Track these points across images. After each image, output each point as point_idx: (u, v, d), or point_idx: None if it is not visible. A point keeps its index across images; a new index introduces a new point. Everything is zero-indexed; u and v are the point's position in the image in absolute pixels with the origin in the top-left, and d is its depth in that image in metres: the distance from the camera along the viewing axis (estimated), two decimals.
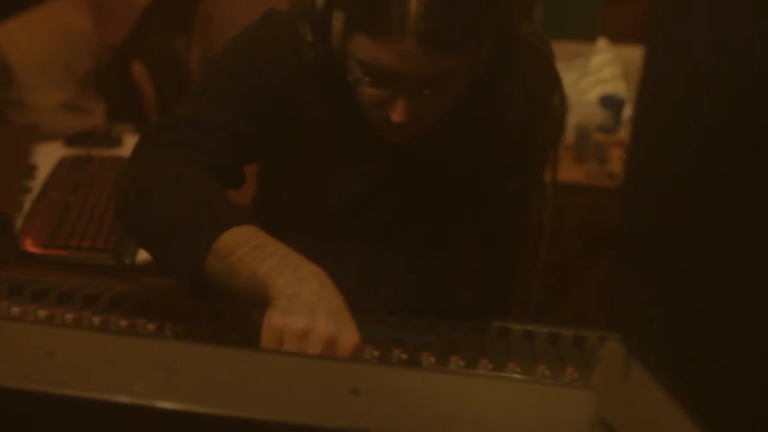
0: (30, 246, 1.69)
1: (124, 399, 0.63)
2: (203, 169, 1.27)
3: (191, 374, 0.67)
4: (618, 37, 4.54)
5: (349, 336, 1.04)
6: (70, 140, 2.25)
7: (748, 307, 0.54)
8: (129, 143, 2.24)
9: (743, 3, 0.54)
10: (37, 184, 1.96)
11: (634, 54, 4.53)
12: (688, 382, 0.58)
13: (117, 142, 2.28)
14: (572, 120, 3.11)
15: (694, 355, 0.58)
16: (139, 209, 1.23)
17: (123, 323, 1.26)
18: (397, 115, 1.24)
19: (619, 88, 3.79)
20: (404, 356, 1.24)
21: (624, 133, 3.32)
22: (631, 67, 4.21)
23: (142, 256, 1.71)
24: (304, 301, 1.04)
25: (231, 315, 1.31)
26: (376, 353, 1.24)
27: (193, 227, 1.15)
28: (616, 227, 0.62)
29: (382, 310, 1.37)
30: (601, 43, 4.20)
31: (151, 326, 1.25)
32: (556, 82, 1.46)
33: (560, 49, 3.22)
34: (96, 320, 1.26)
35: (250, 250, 1.10)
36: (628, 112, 3.42)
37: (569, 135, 3.09)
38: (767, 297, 0.52)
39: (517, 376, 1.23)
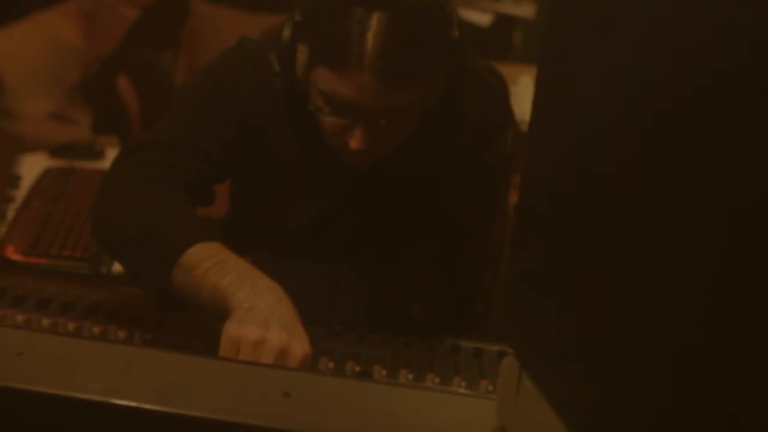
0: (11, 253, 1.78)
1: (83, 396, 0.72)
2: (174, 188, 1.36)
3: (143, 375, 0.76)
4: None
5: (299, 346, 1.13)
6: (54, 152, 2.34)
7: (627, 332, 0.62)
8: (111, 156, 2.31)
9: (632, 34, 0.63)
10: (20, 193, 2.05)
11: None
12: (569, 396, 0.67)
13: (99, 155, 2.37)
14: None
15: (576, 370, 0.66)
16: (113, 224, 1.32)
17: (96, 329, 1.34)
18: (355, 142, 1.34)
19: None
20: (357, 368, 1.32)
21: None
22: None
23: (118, 266, 1.79)
24: (259, 313, 1.14)
25: (196, 325, 1.40)
26: (331, 365, 1.33)
27: (162, 242, 1.25)
28: (509, 252, 0.71)
29: (340, 325, 1.46)
30: None
31: (121, 333, 1.34)
32: (506, 113, 1.57)
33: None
34: (71, 326, 1.34)
35: (212, 265, 1.20)
36: None
37: None
38: (643, 328, 0.61)
39: (462, 390, 1.31)
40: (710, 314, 0.52)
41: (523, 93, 2.92)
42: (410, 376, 1.32)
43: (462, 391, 1.23)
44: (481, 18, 3.43)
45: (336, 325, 1.45)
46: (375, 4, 1.26)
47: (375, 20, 1.26)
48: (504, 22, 3.50)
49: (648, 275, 0.59)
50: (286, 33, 1.36)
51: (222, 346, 1.14)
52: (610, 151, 0.63)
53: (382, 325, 1.49)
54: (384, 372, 1.32)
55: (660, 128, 0.57)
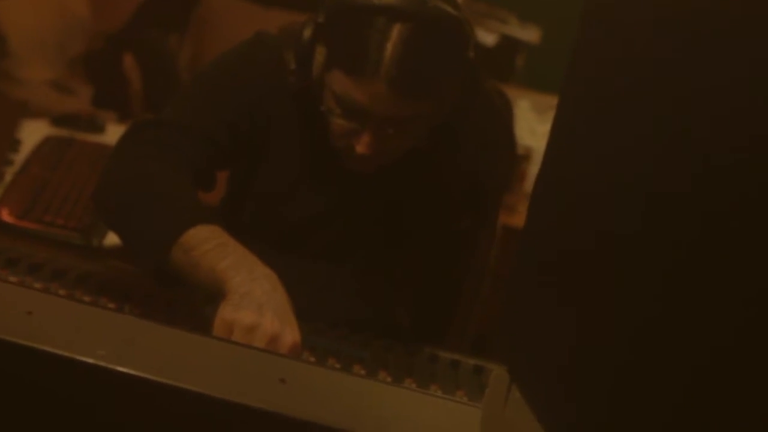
0: (5, 215, 1.79)
1: (89, 359, 0.75)
2: (178, 170, 1.39)
3: (148, 347, 0.79)
4: None
5: (290, 335, 1.17)
6: (57, 121, 2.35)
7: (623, 356, 0.65)
8: (112, 131, 2.34)
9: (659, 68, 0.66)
10: (19, 157, 2.07)
11: None
12: (558, 413, 0.70)
13: (100, 128, 2.39)
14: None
15: (567, 389, 0.70)
16: (117, 196, 1.36)
17: (86, 299, 1.36)
18: (361, 147, 1.37)
19: None
20: (337, 366, 1.35)
21: None
22: None
23: (110, 239, 1.82)
24: (255, 298, 1.17)
25: (182, 306, 1.43)
26: (312, 359, 1.36)
27: (163, 220, 1.28)
28: (510, 269, 0.74)
29: (324, 322, 1.49)
30: None
31: (111, 305, 1.36)
32: (509, 135, 1.61)
33: (538, 100, 3.36)
34: (62, 292, 1.37)
35: (212, 248, 1.23)
36: None
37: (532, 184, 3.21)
38: (638, 355, 0.64)
39: (440, 394, 1.34)
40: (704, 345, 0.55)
41: (520, 116, 2.96)
42: (388, 379, 1.35)
43: (440, 394, 1.25)
44: (486, 38, 3.46)
45: (319, 323, 1.48)
46: (397, 16, 1.29)
47: (396, 31, 1.30)
48: (509, 44, 3.53)
49: (642, 306, 0.62)
50: (307, 33, 1.39)
51: (215, 327, 1.17)
52: (612, 199, 0.66)
53: (365, 326, 1.52)
54: (363, 372, 1.35)
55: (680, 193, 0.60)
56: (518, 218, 2.49)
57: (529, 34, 3.57)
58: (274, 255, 1.44)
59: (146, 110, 3.05)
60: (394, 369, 1.40)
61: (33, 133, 2.21)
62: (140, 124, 1.47)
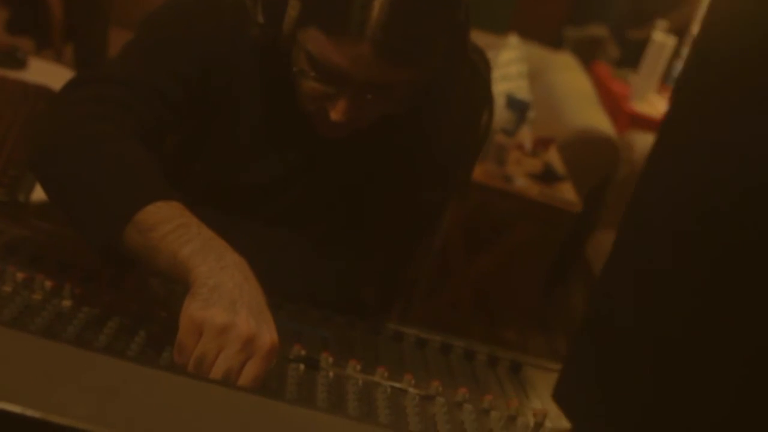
0: None
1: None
2: (128, 131, 1.23)
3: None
4: (528, 34, 4.61)
5: (267, 336, 1.03)
6: None
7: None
8: (35, 68, 2.14)
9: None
10: None
11: (541, 54, 4.61)
12: None
13: (21, 63, 2.18)
14: None
15: None
16: (57, 165, 1.18)
17: (20, 276, 1.21)
18: (336, 113, 1.23)
19: (522, 87, 3.85)
20: (303, 353, 1.24)
21: (523, 135, 3.37)
22: (535, 67, 4.28)
23: (39, 195, 1.65)
24: (226, 293, 1.03)
25: (130, 281, 1.28)
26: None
27: (115, 194, 1.12)
28: (583, 328, 0.64)
29: (280, 295, 1.36)
30: (513, 38, 4.24)
31: (48, 283, 1.21)
32: (487, 95, 1.48)
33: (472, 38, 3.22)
34: None
35: (173, 229, 1.08)
36: (531, 114, 3.48)
37: None
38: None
39: (411, 390, 1.24)
40: None
41: None
42: (358, 367, 1.24)
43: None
44: None
45: (275, 296, 1.36)
46: None
47: None
48: None
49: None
50: None
51: (182, 328, 1.03)
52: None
53: (325, 301, 1.40)
54: (331, 359, 1.24)
55: None
56: None
57: None
58: (225, 220, 1.29)
59: (67, 39, 2.83)
60: (363, 354, 1.30)
61: None
62: (80, 78, 1.29)
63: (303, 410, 0.96)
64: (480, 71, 1.42)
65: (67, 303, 1.17)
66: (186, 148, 1.47)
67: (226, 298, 1.02)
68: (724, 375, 0.55)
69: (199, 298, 1.02)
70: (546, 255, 3.78)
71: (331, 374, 1.21)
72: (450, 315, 3.26)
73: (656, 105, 4.64)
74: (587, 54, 5.47)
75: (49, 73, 2.36)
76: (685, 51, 4.99)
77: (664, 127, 0.66)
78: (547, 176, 3.10)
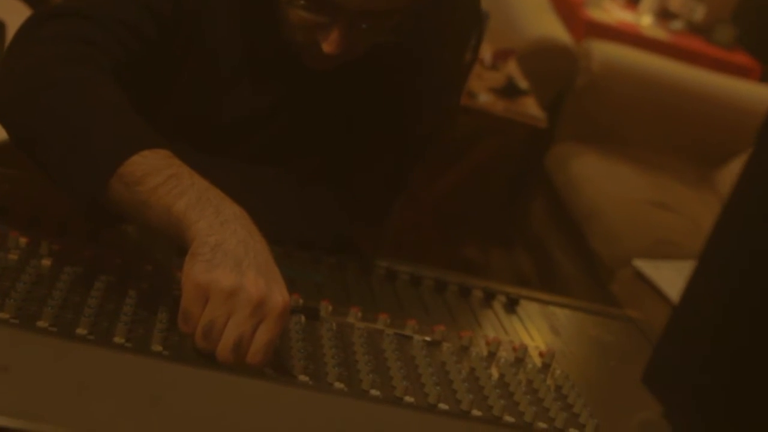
0: None
1: None
2: (102, 71, 1.12)
3: None
4: None
5: (279, 296, 0.95)
6: None
7: None
8: None
9: None
10: None
11: None
12: None
13: None
14: None
15: None
16: (27, 114, 1.07)
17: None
18: (329, 45, 1.14)
19: None
20: (301, 302, 1.17)
21: (483, 48, 3.27)
22: None
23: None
24: (230, 251, 0.94)
25: (108, 234, 1.19)
26: None
27: (96, 144, 1.01)
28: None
29: (268, 236, 1.28)
30: None
31: (23, 240, 1.11)
32: (475, 13, 1.39)
33: None
34: None
35: (163, 181, 0.98)
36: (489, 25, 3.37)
37: None
38: None
39: (416, 336, 1.18)
40: None
41: None
42: (359, 314, 1.18)
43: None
44: None
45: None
46: None
47: None
48: None
49: None
50: None
51: (186, 293, 0.94)
52: None
53: (313, 240, 1.33)
54: (330, 308, 1.18)
55: None
56: None
57: None
58: (204, 158, 1.20)
59: None
60: (359, 296, 1.25)
61: None
62: (42, 14, 1.17)
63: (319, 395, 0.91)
64: None
65: (46, 262, 1.08)
66: (157, 84, 1.36)
67: (230, 257, 0.94)
68: None
69: (201, 259, 0.94)
70: (506, 170, 3.74)
71: (334, 325, 1.14)
72: (412, 236, 3.20)
73: (611, 12, 4.56)
74: None
75: None
76: None
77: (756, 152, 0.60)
78: (511, 90, 3.02)
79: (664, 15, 4.72)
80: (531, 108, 3.03)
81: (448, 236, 3.61)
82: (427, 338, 1.19)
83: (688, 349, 0.61)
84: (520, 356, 1.21)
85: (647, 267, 2.86)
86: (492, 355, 1.20)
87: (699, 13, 4.66)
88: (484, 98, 2.95)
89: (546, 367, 1.21)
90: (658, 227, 3.14)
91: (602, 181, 3.40)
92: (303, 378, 1.00)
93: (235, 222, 0.98)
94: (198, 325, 0.94)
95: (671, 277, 2.84)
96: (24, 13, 2.24)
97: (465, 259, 3.57)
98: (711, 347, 0.60)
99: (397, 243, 2.98)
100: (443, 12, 1.30)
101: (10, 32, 1.80)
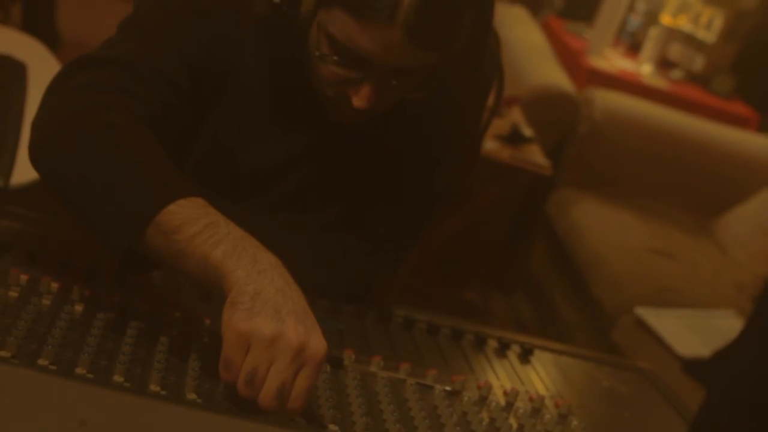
0: None
1: None
2: (138, 120, 1.14)
3: None
4: None
5: (318, 342, 0.98)
6: None
7: None
8: None
9: None
10: None
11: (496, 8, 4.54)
12: None
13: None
14: None
15: None
16: (64, 162, 1.09)
17: (23, 278, 1.13)
18: (360, 100, 1.17)
19: None
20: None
21: None
22: None
23: (19, 178, 1.56)
24: (269, 300, 0.97)
25: (135, 280, 1.21)
26: None
27: (133, 193, 1.04)
28: None
29: None
30: None
31: (55, 285, 1.13)
32: (497, 71, 1.43)
33: None
34: None
35: (200, 230, 1.01)
36: None
37: None
38: None
39: (438, 386, 1.20)
40: None
41: None
42: (381, 363, 1.20)
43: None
44: None
45: None
46: None
47: None
48: None
49: None
50: None
51: (228, 341, 0.96)
52: None
53: (332, 288, 1.35)
54: (353, 356, 1.20)
55: None
56: None
57: None
58: (227, 206, 1.22)
59: None
60: (379, 345, 1.27)
61: None
62: (79, 63, 1.19)
63: None
64: (491, 48, 1.35)
65: (78, 308, 1.10)
66: (186, 132, 1.39)
67: (270, 305, 0.96)
68: None
69: (241, 307, 0.96)
70: (508, 215, 3.76)
71: (358, 374, 1.16)
72: (413, 279, 3.21)
73: (612, 60, 4.62)
74: (533, 4, 5.42)
75: None
76: (640, 5, 4.97)
77: None
78: (516, 138, 3.05)
79: (664, 64, 4.78)
80: (536, 155, 3.07)
81: (449, 280, 3.62)
82: (448, 388, 1.21)
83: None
84: (537, 407, 1.23)
85: (649, 315, 2.88)
86: (510, 405, 1.22)
87: (698, 63, 4.72)
88: (491, 145, 2.99)
89: (563, 417, 1.23)
90: (659, 275, 3.16)
91: (603, 228, 3.43)
92: (333, 428, 1.02)
93: (272, 271, 1.00)
94: (240, 372, 0.96)
95: (672, 326, 2.86)
96: (43, 54, 2.27)
97: (465, 302, 3.58)
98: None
99: (400, 287, 3.00)
100: (468, 70, 1.33)
101: (32, 74, 1.83)
